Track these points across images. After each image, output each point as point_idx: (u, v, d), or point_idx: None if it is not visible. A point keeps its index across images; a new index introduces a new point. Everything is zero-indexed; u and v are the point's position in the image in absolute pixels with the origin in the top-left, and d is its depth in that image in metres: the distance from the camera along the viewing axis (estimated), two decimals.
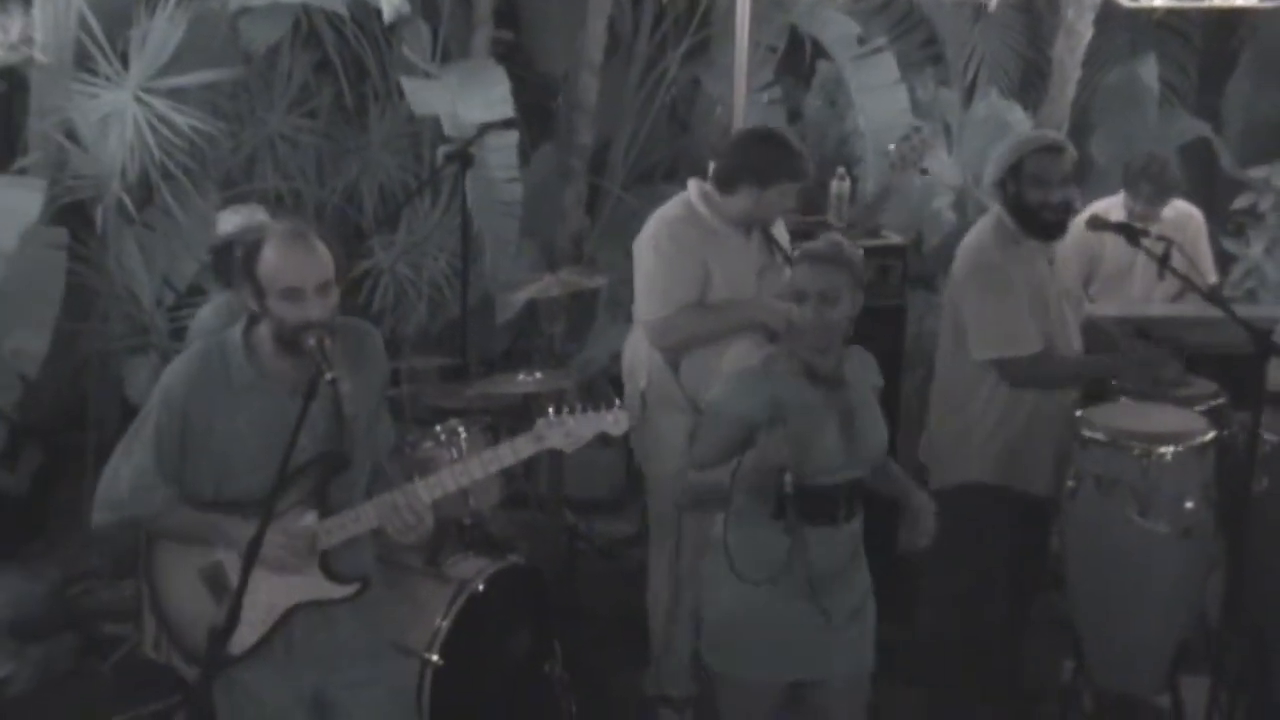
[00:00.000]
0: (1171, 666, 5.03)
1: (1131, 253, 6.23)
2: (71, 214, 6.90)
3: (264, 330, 3.89)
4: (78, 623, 6.36)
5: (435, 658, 5.06)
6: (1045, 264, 5.26)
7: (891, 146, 5.73)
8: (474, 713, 5.22)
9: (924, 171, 6.01)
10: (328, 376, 3.69)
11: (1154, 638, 4.95)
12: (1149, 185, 6.60)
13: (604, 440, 7.51)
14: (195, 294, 7.06)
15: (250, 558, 3.57)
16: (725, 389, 4.33)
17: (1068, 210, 5.22)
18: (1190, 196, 7.23)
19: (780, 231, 5.69)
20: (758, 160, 5.37)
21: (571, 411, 4.00)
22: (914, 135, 5.89)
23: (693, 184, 5.57)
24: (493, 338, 8.02)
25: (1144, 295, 6.62)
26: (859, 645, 4.36)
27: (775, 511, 4.14)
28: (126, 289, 6.96)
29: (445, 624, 5.13)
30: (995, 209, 5.30)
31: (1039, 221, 5.18)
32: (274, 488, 3.63)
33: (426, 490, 3.93)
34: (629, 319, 8.03)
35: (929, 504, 4.32)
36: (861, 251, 4.35)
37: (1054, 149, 5.21)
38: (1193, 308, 6.29)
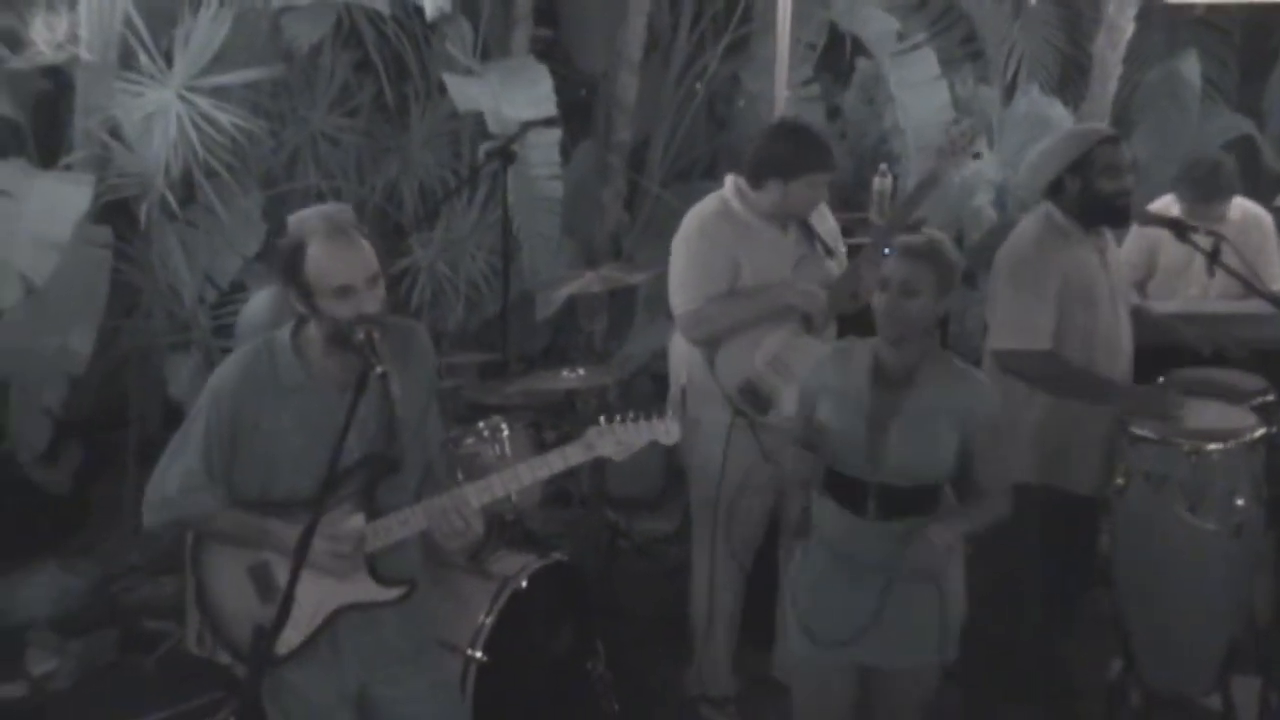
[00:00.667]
0: (1222, 666, 4.99)
1: (1188, 250, 6.21)
2: (114, 212, 6.93)
3: (312, 331, 3.89)
4: (119, 618, 6.39)
5: (479, 654, 5.07)
6: (1096, 257, 5.26)
7: (956, 132, 5.67)
8: (517, 709, 5.22)
9: (977, 156, 5.95)
10: (378, 370, 3.68)
11: (1204, 636, 4.92)
12: (1191, 189, 6.55)
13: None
14: (237, 291, 7.08)
15: (299, 559, 3.56)
16: (813, 364, 4.45)
17: (1130, 197, 5.27)
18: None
19: (824, 222, 5.68)
20: (783, 153, 5.38)
21: (623, 420, 4.02)
22: (964, 121, 5.86)
23: (729, 180, 5.58)
24: (532, 335, 8.03)
25: (1200, 293, 6.57)
26: (912, 637, 4.33)
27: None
28: (169, 286, 6.98)
29: (489, 620, 5.14)
30: (1044, 205, 5.28)
31: (1112, 210, 5.23)
32: (323, 487, 3.62)
33: (475, 495, 3.94)
34: (669, 316, 8.07)
35: (938, 543, 4.16)
36: (959, 259, 4.32)
37: (1116, 139, 5.27)
38: (1247, 306, 6.27)
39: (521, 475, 4.00)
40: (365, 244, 3.80)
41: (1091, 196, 5.19)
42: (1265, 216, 6.86)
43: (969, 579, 4.44)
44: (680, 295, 5.47)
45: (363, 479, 3.89)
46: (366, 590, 3.96)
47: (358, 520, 3.88)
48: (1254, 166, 9.11)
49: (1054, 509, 5.22)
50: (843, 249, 5.71)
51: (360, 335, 3.71)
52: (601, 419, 4.03)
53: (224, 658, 5.33)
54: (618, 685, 5.66)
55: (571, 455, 4.01)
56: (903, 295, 4.17)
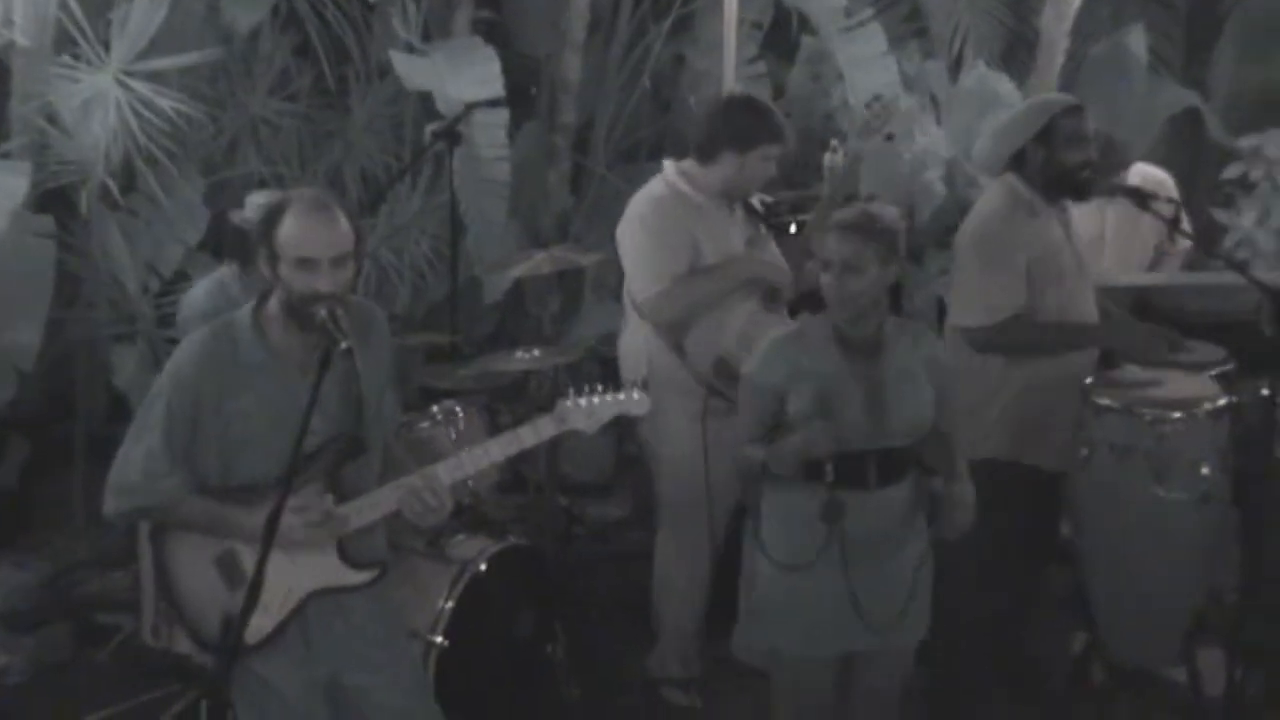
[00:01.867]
0: (1187, 637, 4.97)
1: (1098, 223, 6.23)
2: (54, 201, 6.82)
3: (274, 307, 3.83)
4: (71, 613, 6.28)
5: (439, 639, 5.01)
6: (1060, 230, 5.21)
7: (868, 113, 5.65)
8: (477, 695, 5.15)
9: (889, 137, 5.93)
10: (343, 345, 3.62)
11: (1170, 606, 4.89)
12: None
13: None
14: (181, 280, 6.99)
15: (268, 539, 3.49)
16: (757, 359, 4.32)
17: (1092, 168, 5.21)
18: (1179, 167, 7.17)
19: (755, 204, 5.66)
20: (737, 125, 5.34)
21: (592, 393, 3.97)
22: (876, 101, 5.81)
23: (668, 164, 5.54)
24: (479, 320, 7.96)
25: (1119, 265, 6.55)
26: (907, 613, 4.31)
27: (811, 476, 4.14)
28: (111, 276, 6.88)
29: (448, 605, 5.08)
30: (1006, 178, 5.22)
31: (1075, 181, 5.16)
32: (290, 463, 3.55)
33: (446, 473, 3.89)
34: (616, 299, 8.01)
35: (967, 498, 4.24)
36: (901, 221, 4.26)
37: (1080, 109, 5.20)
38: (1184, 276, 6.30)
39: (492, 451, 3.96)
40: (344, 224, 3.76)
41: (1055, 167, 5.12)
42: (1167, 180, 6.80)
43: (940, 556, 4.41)
44: (642, 279, 5.38)
45: (329, 459, 3.82)
46: (337, 574, 3.89)
47: (328, 498, 3.81)
48: (1199, 139, 9.15)
49: (1022, 485, 5.17)
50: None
51: (323, 313, 3.66)
52: (570, 392, 3.99)
53: (181, 648, 5.26)
54: (577, 669, 5.62)
55: (543, 429, 3.97)
56: (848, 274, 4.11)
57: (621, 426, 7.47)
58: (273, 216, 3.76)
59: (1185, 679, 5.17)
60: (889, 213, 4.23)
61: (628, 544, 6.99)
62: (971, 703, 5.33)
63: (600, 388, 4.01)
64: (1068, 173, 5.15)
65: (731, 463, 5.33)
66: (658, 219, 5.37)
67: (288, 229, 3.71)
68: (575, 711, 5.57)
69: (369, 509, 3.87)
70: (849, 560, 4.17)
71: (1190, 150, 9.03)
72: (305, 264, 3.70)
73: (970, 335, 5.09)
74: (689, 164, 5.44)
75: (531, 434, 3.97)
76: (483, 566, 5.20)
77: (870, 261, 4.09)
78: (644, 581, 5.94)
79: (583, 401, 3.98)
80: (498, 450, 3.96)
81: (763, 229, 5.55)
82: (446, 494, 3.88)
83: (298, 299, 3.71)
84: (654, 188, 5.48)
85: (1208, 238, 7.17)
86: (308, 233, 3.71)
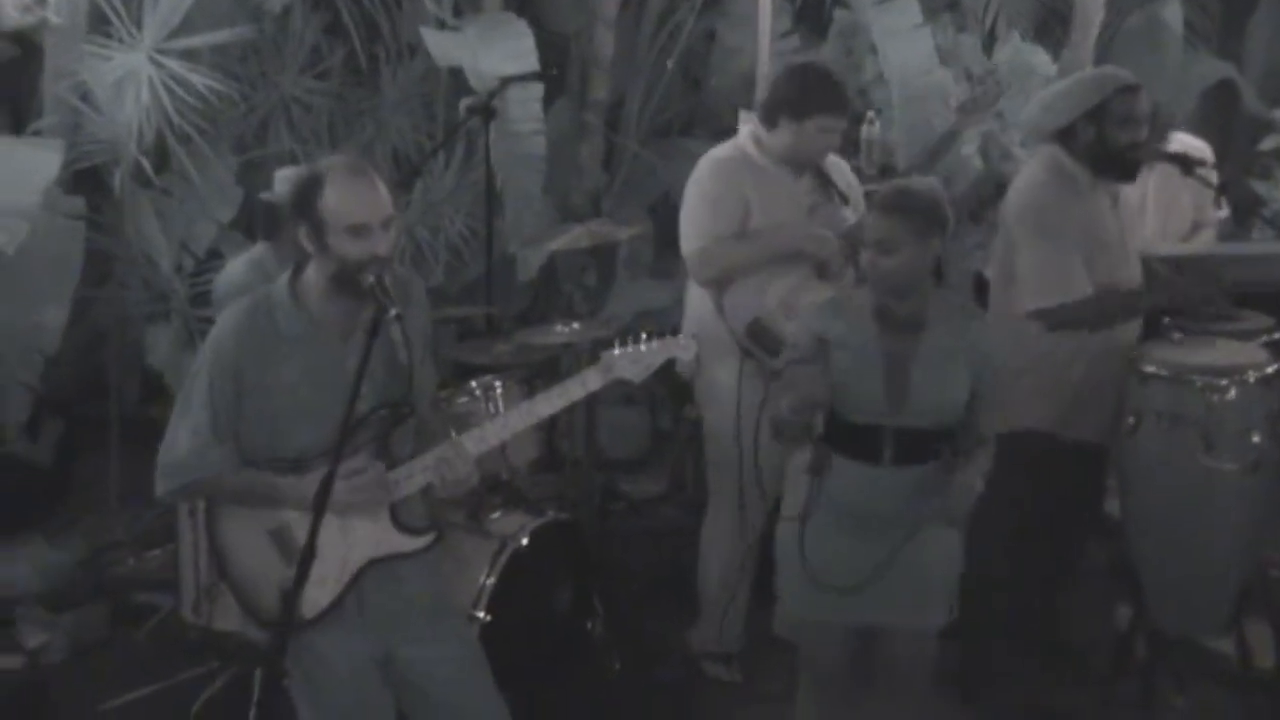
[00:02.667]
0: (1235, 607, 4.92)
1: (1140, 193, 6.15)
2: (86, 180, 6.81)
3: (311, 277, 3.79)
4: (107, 592, 6.26)
5: (482, 614, 4.98)
6: (1107, 203, 5.14)
7: (978, 90, 5.54)
8: (519, 670, 5.12)
9: (999, 115, 5.84)
10: (392, 312, 3.59)
11: (1219, 576, 4.84)
12: None
13: (628, 398, 7.56)
14: (214, 259, 6.99)
15: (320, 504, 3.47)
16: (803, 317, 4.31)
17: (1142, 149, 5.15)
18: (1214, 140, 7.09)
19: (840, 173, 5.61)
20: (794, 92, 5.31)
21: (636, 341, 3.91)
22: (989, 77, 5.74)
23: (745, 126, 5.55)
24: (513, 298, 7.92)
25: (1157, 236, 6.49)
26: (922, 594, 4.27)
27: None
28: (144, 255, 6.88)
29: (490, 581, 5.06)
30: (1050, 149, 5.15)
31: (1122, 162, 5.08)
32: (343, 428, 3.53)
33: (495, 432, 3.86)
34: (650, 275, 8.00)
35: (969, 486, 4.13)
36: (940, 195, 4.21)
37: (1135, 87, 5.09)
38: (1240, 247, 6.23)
39: (539, 407, 3.89)
40: (383, 186, 3.73)
41: (1104, 146, 5.04)
42: (1206, 149, 6.73)
43: (974, 531, 4.35)
44: (688, 234, 5.39)
45: (378, 427, 3.78)
46: (394, 541, 3.86)
47: (379, 465, 3.78)
48: (1235, 112, 9.08)
49: (1060, 459, 5.12)
50: (861, 200, 5.62)
51: (370, 278, 3.62)
52: (616, 342, 3.93)
53: (222, 625, 5.30)
54: (617, 644, 5.59)
55: (590, 380, 3.90)
56: (880, 254, 4.08)
57: (656, 401, 7.59)
58: (310, 188, 3.70)
59: (1231, 651, 5.13)
60: (926, 188, 4.18)
61: (664, 520, 6.98)
62: (1007, 683, 5.28)
63: (645, 335, 3.93)
64: (1118, 152, 5.06)
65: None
66: (713, 178, 5.37)
67: (334, 198, 3.66)
68: (616, 686, 5.53)
69: (419, 474, 3.82)
70: (848, 528, 4.16)
71: (1226, 122, 8.95)
72: (358, 230, 3.66)
73: (1049, 315, 5.00)
74: (759, 127, 5.42)
75: (579, 386, 3.89)
76: (524, 541, 5.18)
77: (903, 240, 4.04)
78: (682, 557, 5.95)
79: (629, 350, 3.91)
80: (545, 405, 3.88)
81: (836, 197, 5.49)
82: (472, 464, 3.82)
83: (352, 266, 3.66)
84: (722, 148, 5.49)
85: (1245, 209, 7.07)
86: (357, 199, 3.67)
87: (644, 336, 3.93)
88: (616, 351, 3.91)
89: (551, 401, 3.88)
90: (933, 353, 4.13)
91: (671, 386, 6.92)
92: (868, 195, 5.52)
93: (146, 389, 7.17)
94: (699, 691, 5.61)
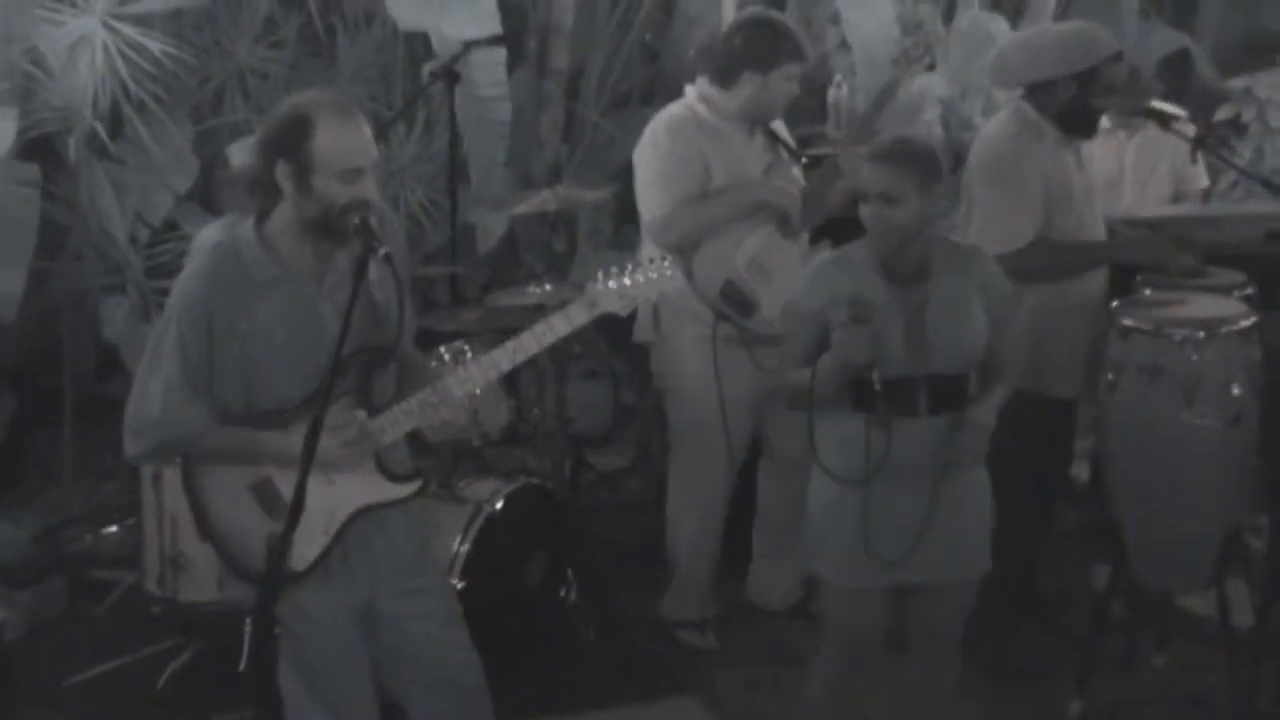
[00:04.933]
0: (1217, 564, 4.89)
1: (1117, 163, 6.17)
2: (38, 150, 6.68)
3: (280, 221, 3.66)
4: (66, 568, 6.14)
5: (456, 581, 4.91)
6: (1071, 157, 5.17)
7: (909, 42, 5.52)
8: (492, 638, 5.03)
9: (931, 67, 5.80)
10: (382, 252, 3.51)
11: (1201, 531, 4.79)
12: None
13: (591, 372, 7.48)
14: (170, 230, 6.89)
15: (308, 455, 3.37)
16: (801, 285, 4.22)
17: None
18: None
19: (782, 130, 5.58)
20: (757, 45, 5.27)
21: (620, 273, 3.77)
22: (920, 29, 5.72)
23: (690, 87, 5.46)
24: (474, 269, 7.83)
25: (1136, 202, 6.49)
26: (966, 546, 4.23)
27: (860, 404, 4.04)
28: (99, 226, 6.74)
29: (465, 548, 5.02)
30: (1016, 102, 5.17)
31: (1092, 125, 5.18)
32: (331, 371, 3.45)
33: (481, 372, 3.74)
34: (612, 246, 7.92)
35: (983, 423, 4.15)
36: (934, 145, 4.21)
37: (1122, 56, 5.17)
38: (1198, 209, 6.24)
39: (526, 343, 3.75)
40: (367, 126, 3.63)
41: (1080, 108, 5.10)
42: (1182, 114, 6.74)
43: None
44: (650, 200, 5.31)
45: (358, 373, 3.68)
46: (381, 489, 3.76)
47: (360, 414, 3.67)
48: (1190, 81, 9.11)
49: (1039, 415, 5.10)
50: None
51: (355, 220, 3.53)
52: (599, 273, 3.78)
53: (188, 596, 5.22)
54: (591, 612, 5.55)
55: (575, 315, 3.75)
56: (885, 204, 4.02)
57: (619, 375, 7.52)
58: (297, 128, 3.56)
59: (1209, 611, 5.10)
60: (923, 139, 4.15)
61: (631, 492, 6.97)
62: (998, 637, 5.24)
63: (629, 267, 3.79)
64: (1089, 115, 5.14)
65: (744, 394, 5.29)
66: (670, 141, 5.29)
67: (327, 141, 3.54)
68: (591, 654, 5.49)
69: (403, 420, 3.73)
70: (893, 488, 4.08)
71: (1181, 93, 8.96)
72: (353, 174, 3.56)
73: (1003, 262, 4.98)
74: (709, 88, 5.34)
75: (564, 321, 3.74)
76: (499, 505, 5.12)
77: (909, 191, 4.00)
78: (651, 529, 5.89)
79: (612, 284, 3.76)
80: (532, 343, 3.74)
81: (784, 154, 5.47)
82: (459, 403, 3.74)
83: (337, 210, 3.56)
84: (672, 110, 5.41)
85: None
86: (351, 142, 3.57)
87: (629, 268, 3.80)
88: (600, 285, 3.76)
89: (537, 338, 3.74)
90: (945, 298, 4.09)
91: (634, 360, 6.85)
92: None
93: (101, 363, 7.04)
94: (676, 659, 5.55)
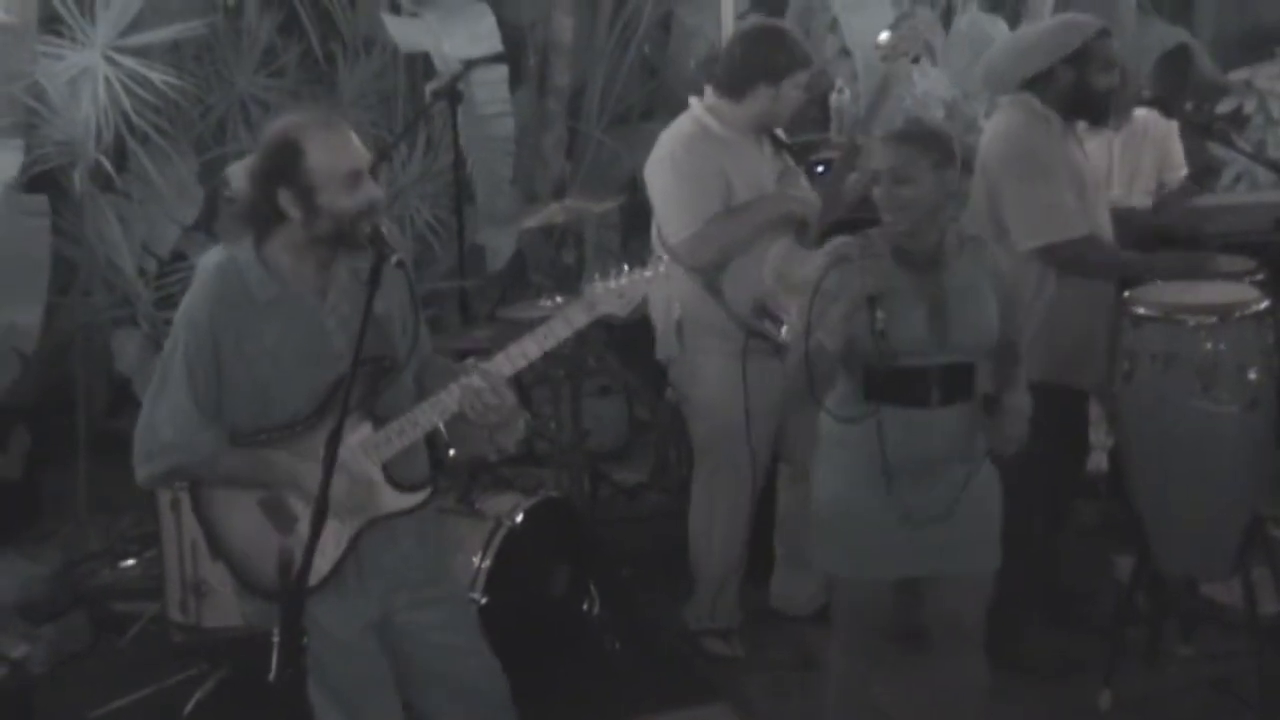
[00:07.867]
0: (1240, 551, 4.87)
1: (1106, 157, 6.21)
2: (42, 185, 6.69)
3: (280, 241, 3.67)
4: (87, 602, 6.13)
5: (479, 597, 4.90)
6: (1078, 149, 5.16)
7: (884, 35, 5.49)
8: (517, 653, 5.03)
9: (915, 60, 5.78)
10: (394, 259, 3.52)
11: (1223, 516, 4.77)
12: None
13: (604, 388, 7.48)
14: (178, 261, 6.89)
15: (330, 459, 3.37)
16: (817, 261, 4.16)
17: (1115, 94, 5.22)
18: (1171, 103, 7.12)
19: (783, 138, 5.56)
20: (767, 57, 5.24)
21: (617, 275, 3.76)
22: (904, 21, 5.66)
23: (695, 101, 5.43)
24: (482, 289, 7.83)
25: (1125, 193, 6.50)
26: (981, 538, 4.21)
27: (871, 394, 4.03)
28: (106, 259, 6.75)
29: (486, 564, 4.99)
30: (1021, 96, 5.16)
31: (1101, 106, 5.15)
32: (348, 380, 3.47)
33: (508, 364, 3.73)
34: (618, 259, 7.90)
35: (1021, 408, 4.14)
36: (947, 131, 4.17)
37: (1109, 32, 5.17)
38: (1204, 199, 6.28)
39: (529, 348, 3.74)
40: (353, 132, 3.66)
41: (1084, 89, 5.08)
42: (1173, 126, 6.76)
43: None
44: (676, 221, 5.24)
45: (364, 385, 3.65)
46: (390, 500, 3.75)
47: (364, 430, 3.68)
48: (1190, 76, 9.08)
49: (1057, 408, 5.06)
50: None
51: (368, 227, 3.55)
52: (596, 276, 3.78)
53: (211, 622, 5.21)
54: (615, 623, 5.52)
55: (575, 317, 3.73)
56: (896, 184, 4.00)
57: (631, 391, 7.52)
58: (288, 153, 3.57)
59: (1233, 599, 5.07)
60: (935, 120, 4.14)
61: (651, 505, 6.96)
62: (1018, 633, 5.21)
63: (626, 268, 3.78)
64: (1095, 96, 5.11)
65: (769, 403, 5.27)
66: (688, 158, 5.25)
67: (319, 154, 3.55)
68: (617, 665, 5.46)
69: (410, 428, 3.71)
70: (899, 481, 4.06)
71: (1181, 87, 8.96)
72: (354, 177, 3.58)
73: (1051, 253, 5.01)
74: (717, 101, 5.32)
75: (564, 324, 3.73)
76: (519, 518, 5.11)
77: (923, 170, 3.98)
78: (672, 540, 5.87)
79: (610, 284, 3.74)
80: (534, 346, 3.73)
81: (791, 162, 5.45)
82: (507, 389, 3.72)
83: (350, 219, 3.57)
84: (682, 125, 5.36)
85: (1203, 173, 7.09)
86: (342, 148, 3.60)
87: (625, 269, 3.78)
88: (598, 287, 3.74)
89: (538, 342, 3.74)
90: (960, 285, 4.08)
91: (648, 375, 6.85)
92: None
93: (115, 396, 7.04)
94: (703, 667, 5.54)
